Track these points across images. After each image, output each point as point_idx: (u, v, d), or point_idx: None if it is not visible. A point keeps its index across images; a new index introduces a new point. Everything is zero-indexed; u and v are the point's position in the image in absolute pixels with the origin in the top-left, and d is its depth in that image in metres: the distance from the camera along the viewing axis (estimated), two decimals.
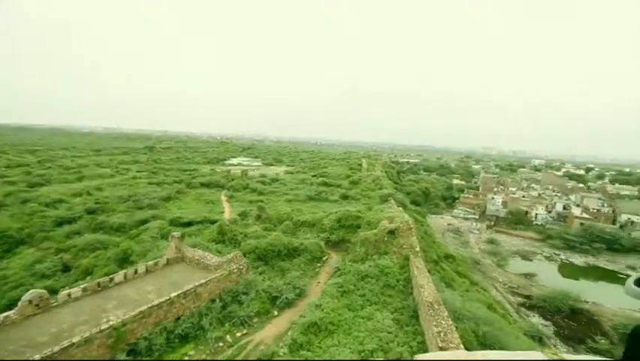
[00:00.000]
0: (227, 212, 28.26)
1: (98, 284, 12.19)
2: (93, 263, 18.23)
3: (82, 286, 11.88)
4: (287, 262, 17.19)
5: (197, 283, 12.66)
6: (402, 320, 11.51)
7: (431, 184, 65.91)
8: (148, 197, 31.26)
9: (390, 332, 10.63)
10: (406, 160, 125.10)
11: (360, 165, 59.75)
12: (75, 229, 23.38)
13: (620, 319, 23.36)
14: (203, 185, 40.26)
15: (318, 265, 17.71)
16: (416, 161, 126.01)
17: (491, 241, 42.37)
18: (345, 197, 32.29)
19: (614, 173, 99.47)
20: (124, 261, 17.85)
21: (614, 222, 44.78)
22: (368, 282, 13.83)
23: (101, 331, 9.45)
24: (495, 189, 65.56)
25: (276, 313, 13.36)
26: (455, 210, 56.36)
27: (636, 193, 59.16)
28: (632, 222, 42.83)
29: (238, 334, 11.89)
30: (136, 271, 13.42)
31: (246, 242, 18.22)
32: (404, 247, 15.44)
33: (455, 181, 78.25)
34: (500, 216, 50.61)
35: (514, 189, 65.83)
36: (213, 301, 13.03)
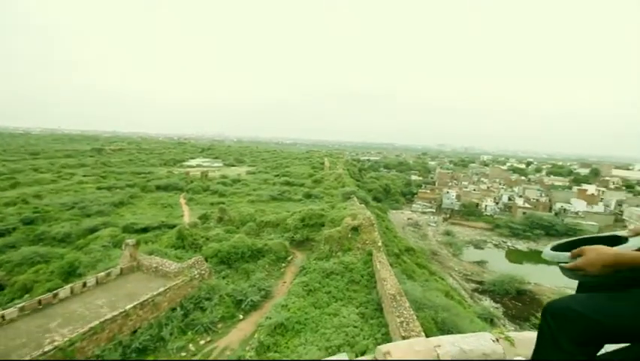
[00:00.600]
0: (187, 216, 27.07)
1: (39, 302, 10.99)
2: (32, 279, 16.42)
3: (19, 306, 10.58)
4: (251, 263, 16.85)
5: (155, 293, 11.98)
6: (367, 313, 11.84)
7: (391, 181, 68.29)
8: (97, 203, 28.84)
9: (355, 327, 10.89)
10: (367, 158, 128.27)
11: (322, 163, 60.23)
12: (9, 242, 20.84)
13: (554, 296, 25.88)
14: (159, 188, 38.04)
15: (283, 265, 17.60)
16: (377, 159, 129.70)
17: (447, 233, 44.94)
18: (308, 196, 32.40)
19: (549, 166, 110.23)
20: (70, 274, 16.33)
21: (550, 210, 49.63)
22: (333, 279, 14.03)
23: (44, 353, 8.58)
24: (449, 184, 69.55)
25: (241, 316, 13.06)
26: (414, 205, 58.93)
27: (567, 184, 66.05)
28: (565, 209, 47.80)
29: (202, 342, 11.45)
30: (85, 285, 12.34)
31: (208, 246, 17.59)
32: (367, 242, 15.87)
33: (413, 177, 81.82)
34: (455, 209, 53.85)
35: (466, 183, 70.30)
36: (174, 309, 12.43)
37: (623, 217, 45.02)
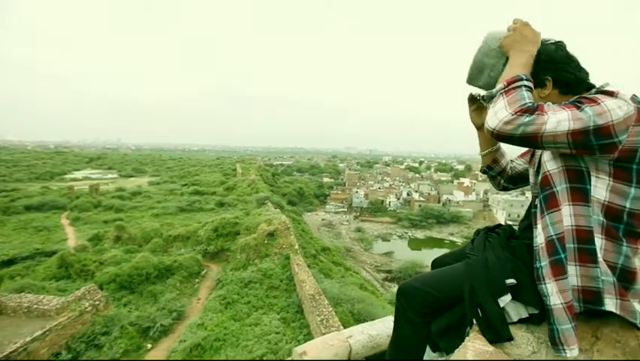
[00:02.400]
0: (73, 239, 22.75)
1: None
2: None
3: None
4: (159, 284, 15.13)
5: (28, 339, 9.73)
6: (288, 317, 11.89)
7: (304, 184, 70.05)
8: None
9: (277, 333, 10.82)
10: (279, 163, 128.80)
11: (234, 170, 58.17)
12: None
13: None
14: (30, 208, 30.94)
15: (197, 280, 16.34)
16: (289, 163, 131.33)
17: (358, 230, 48.32)
18: (221, 204, 30.84)
19: (436, 164, 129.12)
20: None
21: (439, 201, 58.02)
22: (252, 288, 13.67)
23: None
24: (358, 184, 74.96)
25: (149, 346, 11.61)
26: (327, 206, 61.69)
27: (450, 178, 78.42)
28: (449, 200, 56.55)
29: None
30: None
31: (103, 271, 15.12)
32: (284, 246, 15.96)
33: (325, 179, 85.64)
34: (364, 206, 58.34)
35: (372, 182, 76.80)
36: (58, 355, 10.31)
37: (489, 203, 55.58)
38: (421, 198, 57.83)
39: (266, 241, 16.24)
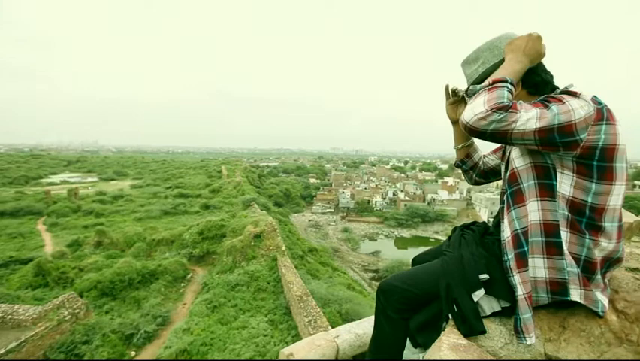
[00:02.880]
0: (50, 245, 21.91)
1: None
2: None
3: None
4: (142, 290, 14.76)
5: (1, 351, 9.32)
6: (276, 319, 11.83)
7: (291, 185, 69.83)
8: None
9: (265, 335, 10.74)
10: (265, 164, 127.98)
11: (219, 172, 57.45)
12: None
13: None
14: (3, 215, 29.66)
15: (182, 284, 16.05)
16: (275, 164, 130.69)
17: (345, 230, 48.56)
18: (206, 207, 30.37)
19: (421, 164, 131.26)
20: None
21: (424, 200, 58.98)
22: (239, 290, 13.53)
23: None
24: (344, 184, 75.43)
25: (133, 353, 11.32)
26: (314, 207, 61.70)
27: (434, 178, 79.83)
28: (434, 199, 57.56)
29: None
30: None
31: (83, 278, 14.65)
32: (271, 248, 15.88)
33: (312, 180, 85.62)
34: (350, 207, 58.68)
35: (358, 182, 77.40)
36: None
37: (472, 201, 56.87)
38: (407, 198, 58.63)
39: (252, 243, 16.11)
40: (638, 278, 1.12)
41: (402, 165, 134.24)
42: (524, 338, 0.96)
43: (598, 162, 0.89)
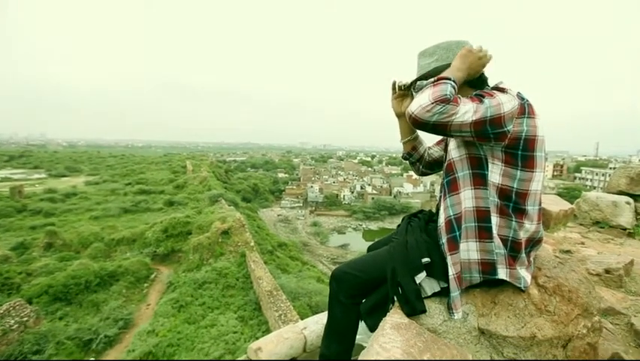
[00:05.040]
0: None
1: None
2: None
3: None
4: (101, 293, 13.98)
5: None
6: (246, 315, 11.78)
7: (259, 180, 68.84)
8: None
9: (235, 332, 10.67)
10: (233, 159, 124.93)
11: (184, 167, 55.21)
12: None
13: None
14: None
15: (146, 285, 15.40)
16: (243, 159, 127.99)
17: (314, 224, 48.91)
18: (170, 203, 29.14)
19: (387, 158, 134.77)
20: None
21: (390, 193, 60.84)
22: (207, 288, 13.27)
23: None
24: (313, 179, 75.58)
25: (92, 359, 10.78)
26: (283, 202, 61.36)
27: (400, 172, 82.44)
28: (400, 192, 59.58)
29: None
30: None
31: (32, 283, 13.57)
32: (239, 244, 15.70)
33: (280, 175, 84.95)
34: (319, 201, 59.09)
35: (326, 177, 77.92)
36: None
37: (435, 194, 59.62)
38: (374, 192, 60.11)
39: (220, 240, 15.82)
40: (558, 257, 1.33)
41: (369, 159, 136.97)
42: (453, 313, 1.09)
43: (522, 152, 1.00)
